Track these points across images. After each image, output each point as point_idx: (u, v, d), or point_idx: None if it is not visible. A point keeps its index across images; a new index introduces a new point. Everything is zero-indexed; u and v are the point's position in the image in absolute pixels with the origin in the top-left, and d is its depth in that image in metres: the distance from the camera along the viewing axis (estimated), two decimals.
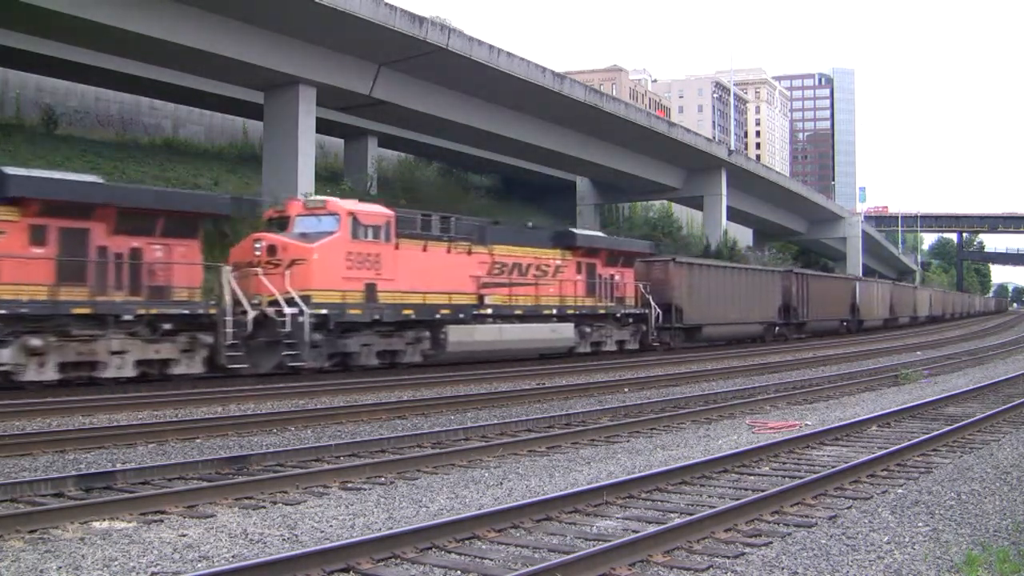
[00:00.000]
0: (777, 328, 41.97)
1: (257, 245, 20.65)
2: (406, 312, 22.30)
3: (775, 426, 13.90)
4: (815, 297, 44.74)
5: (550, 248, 27.94)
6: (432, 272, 23.21)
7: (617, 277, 30.54)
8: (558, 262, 27.96)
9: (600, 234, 31.72)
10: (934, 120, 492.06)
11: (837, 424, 13.40)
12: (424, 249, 23.18)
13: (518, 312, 25.98)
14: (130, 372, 17.91)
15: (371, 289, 21.59)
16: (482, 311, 24.68)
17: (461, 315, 23.89)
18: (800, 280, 43.84)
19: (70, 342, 17.13)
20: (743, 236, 78.10)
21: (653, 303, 31.46)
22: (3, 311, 16.24)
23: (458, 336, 23.48)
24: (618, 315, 30.12)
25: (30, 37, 31.87)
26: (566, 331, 27.50)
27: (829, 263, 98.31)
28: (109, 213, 17.98)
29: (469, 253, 24.60)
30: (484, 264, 25.13)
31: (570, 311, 27.95)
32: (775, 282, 41.37)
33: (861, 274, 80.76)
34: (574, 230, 30.63)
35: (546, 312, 27.01)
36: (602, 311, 29.48)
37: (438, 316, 23.24)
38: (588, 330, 28.70)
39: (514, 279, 26.14)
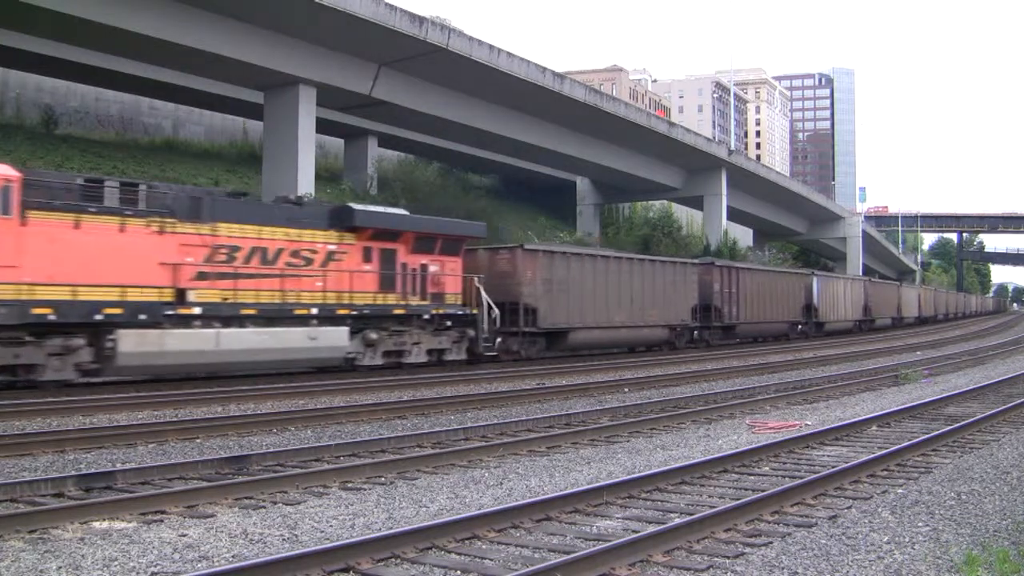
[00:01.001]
0: (695, 332, 35.80)
1: None
2: (39, 312, 16.47)
3: (775, 426, 13.90)
4: (750, 295, 38.44)
5: (322, 229, 21.51)
6: (91, 258, 17.27)
7: (433, 268, 23.88)
8: (332, 247, 21.60)
9: (400, 212, 24.73)
10: (934, 120, 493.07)
11: (837, 424, 13.41)
12: (76, 226, 17.15)
13: (249, 312, 19.76)
14: None
15: None
16: (184, 311, 18.66)
17: (142, 316, 17.91)
18: (726, 274, 37.19)
19: None
20: (743, 236, 78.16)
21: (488, 301, 24.77)
22: None
23: (135, 345, 17.64)
24: (427, 316, 23.47)
25: (30, 37, 31.92)
26: (335, 338, 21.12)
27: (829, 263, 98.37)
28: None
29: (161, 232, 18.45)
30: (193, 248, 18.96)
31: (343, 311, 21.48)
32: (688, 277, 34.43)
33: (861, 274, 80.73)
34: (355, 206, 22.96)
35: (300, 312, 20.66)
36: (400, 311, 22.85)
37: (100, 318, 17.31)
38: (376, 336, 22.17)
39: (248, 268, 19.88)
